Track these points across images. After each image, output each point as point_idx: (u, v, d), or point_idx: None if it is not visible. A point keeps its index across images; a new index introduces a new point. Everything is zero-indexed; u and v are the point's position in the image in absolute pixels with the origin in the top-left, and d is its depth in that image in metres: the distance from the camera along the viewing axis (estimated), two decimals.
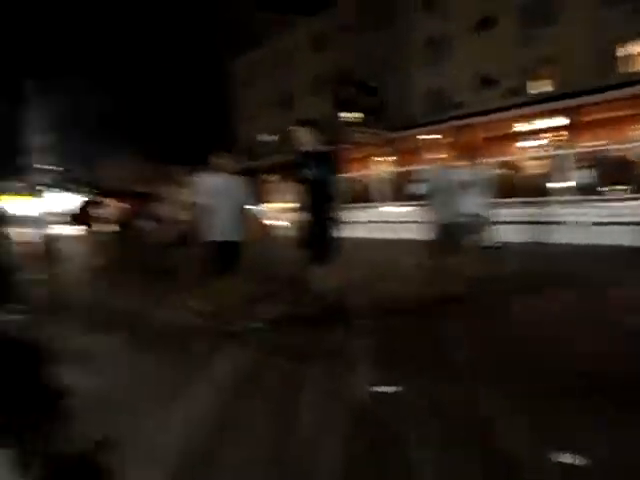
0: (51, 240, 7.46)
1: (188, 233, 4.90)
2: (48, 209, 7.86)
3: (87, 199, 9.52)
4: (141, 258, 10.49)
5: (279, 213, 10.42)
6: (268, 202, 13.91)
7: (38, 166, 51.45)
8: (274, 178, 18.32)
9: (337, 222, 4.28)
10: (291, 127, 4.39)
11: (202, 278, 4.73)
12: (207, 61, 42.77)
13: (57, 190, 32.93)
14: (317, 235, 4.20)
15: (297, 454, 2.27)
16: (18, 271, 6.80)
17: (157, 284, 7.17)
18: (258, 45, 37.50)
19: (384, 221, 12.05)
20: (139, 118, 49.30)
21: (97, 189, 31.78)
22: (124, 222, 21.05)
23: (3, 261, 6.03)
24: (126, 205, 21.81)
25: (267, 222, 5.02)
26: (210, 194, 4.46)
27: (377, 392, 2.91)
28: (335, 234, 4.26)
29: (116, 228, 21.57)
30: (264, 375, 3.29)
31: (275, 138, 34.54)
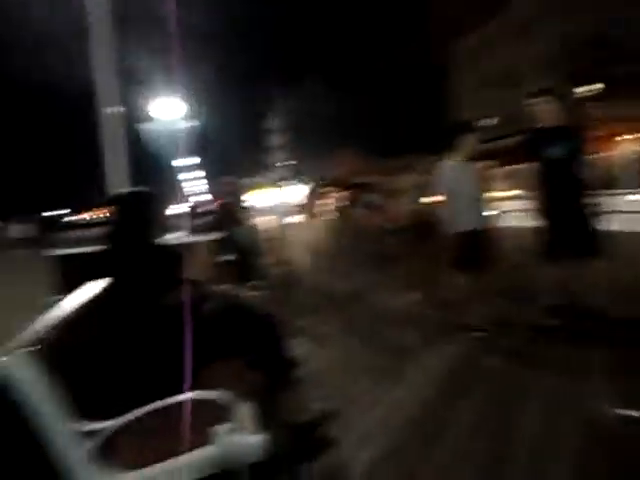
0: (285, 227, 8.43)
1: (423, 221, 4.74)
2: (284, 200, 8.94)
3: (312, 190, 10.47)
4: (359, 243, 11.03)
5: (505, 201, 9.58)
6: (492, 190, 12.95)
7: (278, 163, 59.73)
8: (496, 163, 17.05)
9: (591, 210, 3.56)
10: (526, 101, 3.78)
11: (432, 268, 4.63)
12: (422, 48, 42.26)
13: (292, 183, 37.53)
14: (565, 226, 3.55)
15: (516, 461, 2.00)
16: (260, 254, 7.91)
17: (379, 270, 7.45)
18: (471, 26, 35.30)
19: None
20: (363, 113, 52.06)
21: (323, 181, 35.00)
22: (342, 210, 22.72)
23: (248, 246, 7.08)
24: (345, 194, 23.46)
25: (494, 212, 4.45)
26: (451, 181, 3.98)
27: (618, 414, 2.38)
28: (591, 225, 3.55)
29: (336, 215, 23.38)
30: (478, 376, 3.02)
31: (495, 122, 32.16)
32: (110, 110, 5.07)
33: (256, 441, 1.50)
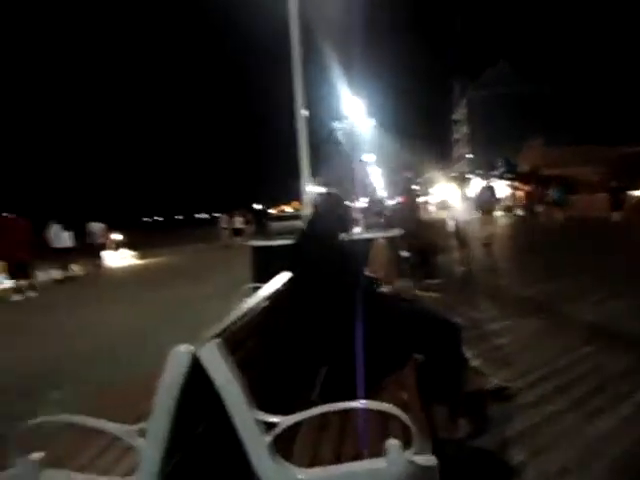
0: (465, 224, 7.96)
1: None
2: (465, 195, 8.44)
3: (490, 185, 9.68)
4: (546, 243, 9.78)
5: None
6: None
7: (462, 156, 57.24)
8: None
9: None
10: None
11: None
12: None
13: (475, 177, 35.47)
14: None
15: None
16: (438, 252, 7.64)
17: (572, 274, 6.56)
18: None
19: None
20: (556, 101, 46.40)
21: (508, 174, 32.24)
22: (526, 206, 20.64)
23: (425, 243, 6.90)
24: (529, 188, 21.32)
25: None
26: None
27: None
28: None
29: (520, 211, 21.39)
30: None
31: None
32: (303, 112, 5.46)
33: (428, 463, 1.39)
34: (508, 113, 50.87)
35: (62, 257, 12.96)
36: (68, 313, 7.54)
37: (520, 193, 25.75)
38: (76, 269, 13.69)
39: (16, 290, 9.73)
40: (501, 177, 31.27)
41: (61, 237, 12.94)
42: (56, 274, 12.78)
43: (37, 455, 1.54)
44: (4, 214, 9.89)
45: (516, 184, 28.83)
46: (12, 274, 10.08)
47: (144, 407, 1.51)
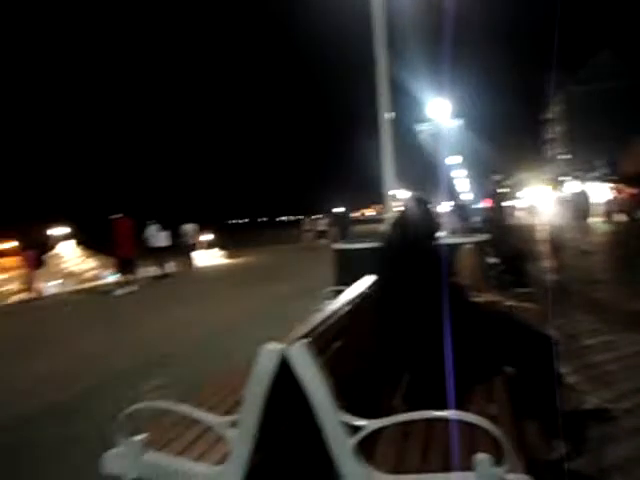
0: (561, 229, 7.43)
1: None
2: (560, 198, 7.86)
3: (585, 188, 8.90)
4: None
5: None
6: None
7: (556, 157, 53.51)
8: None
9: None
10: None
11: None
12: None
13: (570, 179, 32.95)
14: None
15: None
16: (529, 259, 7.20)
17: None
18: None
19: None
20: None
21: (614, 176, 29.49)
22: (628, 211, 18.69)
23: (515, 249, 6.54)
24: (633, 192, 19.28)
25: None
26: None
27: None
28: None
29: (620, 217, 19.46)
30: None
31: None
32: (387, 115, 5.42)
33: None
34: (610, 109, 46.38)
35: (159, 255, 14.05)
36: (167, 306, 8.16)
37: (622, 197, 23.46)
38: (171, 267, 14.76)
39: (119, 284, 10.72)
40: (602, 179, 28.72)
41: (158, 237, 14.03)
42: (154, 271, 13.88)
43: (141, 437, 1.68)
44: (112, 216, 10.90)
45: (619, 186, 26.33)
46: (118, 270, 11.13)
47: (234, 399, 1.58)
